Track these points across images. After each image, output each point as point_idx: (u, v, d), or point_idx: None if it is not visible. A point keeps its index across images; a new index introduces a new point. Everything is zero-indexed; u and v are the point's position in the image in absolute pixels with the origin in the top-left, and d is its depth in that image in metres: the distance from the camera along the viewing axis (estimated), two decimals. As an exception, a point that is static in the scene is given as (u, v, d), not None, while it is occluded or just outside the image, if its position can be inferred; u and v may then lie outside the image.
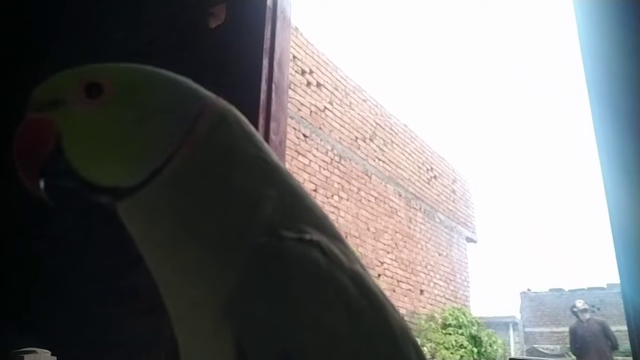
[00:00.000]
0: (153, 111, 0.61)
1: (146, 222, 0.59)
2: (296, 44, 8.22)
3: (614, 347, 8.21)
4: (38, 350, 1.83)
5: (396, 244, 10.19)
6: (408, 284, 10.28)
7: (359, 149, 9.63)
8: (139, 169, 0.58)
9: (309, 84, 8.62)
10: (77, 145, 0.59)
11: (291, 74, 7.85)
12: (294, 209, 0.62)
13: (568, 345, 13.52)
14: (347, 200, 9.07)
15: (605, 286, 18.77)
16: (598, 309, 18.48)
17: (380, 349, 0.56)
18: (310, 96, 8.59)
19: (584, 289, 19.15)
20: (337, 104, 9.22)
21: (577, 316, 8.41)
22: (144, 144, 0.59)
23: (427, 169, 11.97)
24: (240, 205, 0.59)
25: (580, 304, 8.46)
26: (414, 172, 11.33)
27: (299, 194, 0.64)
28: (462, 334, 9.95)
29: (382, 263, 9.64)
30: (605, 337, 8.09)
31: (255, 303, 0.53)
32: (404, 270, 10.24)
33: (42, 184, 0.60)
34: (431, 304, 10.84)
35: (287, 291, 0.54)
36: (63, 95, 0.61)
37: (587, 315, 8.43)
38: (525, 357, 6.61)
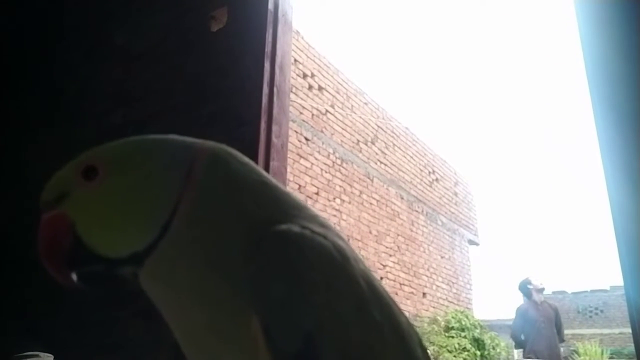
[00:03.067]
0: (148, 174, 0.64)
1: (169, 273, 0.61)
2: (297, 47, 8.23)
3: (562, 339, 6.50)
4: (41, 354, 1.83)
5: (398, 247, 10.18)
6: (410, 286, 10.26)
7: (360, 152, 9.63)
8: (148, 229, 0.61)
9: (310, 87, 8.62)
10: (89, 227, 0.62)
11: (292, 78, 7.86)
12: (306, 215, 0.65)
13: (572, 348, 13.46)
14: (349, 203, 9.06)
15: (608, 288, 18.73)
16: (601, 311, 18.43)
17: (387, 339, 0.60)
18: (312, 99, 8.60)
19: (587, 291, 19.11)
20: (338, 107, 9.23)
21: (531, 295, 6.44)
22: (147, 206, 0.62)
23: (429, 172, 11.96)
24: (251, 216, 0.63)
25: (537, 281, 6.51)
26: (415, 175, 11.33)
27: (303, 205, 0.68)
28: (465, 337, 9.93)
29: (384, 266, 9.63)
30: (556, 326, 6.36)
31: (276, 283, 0.57)
32: (406, 273, 10.23)
33: (74, 275, 0.64)
34: (434, 307, 10.82)
35: (304, 275, 0.57)
36: (65, 187, 0.64)
37: (542, 297, 6.51)
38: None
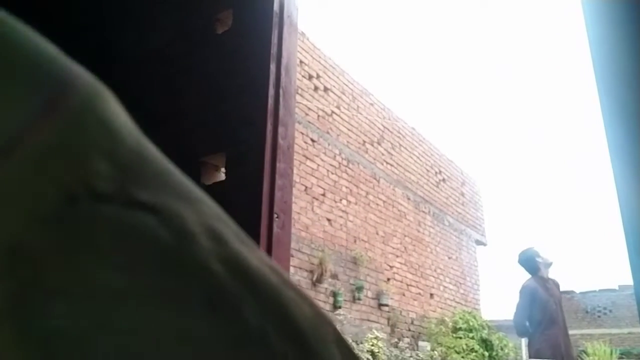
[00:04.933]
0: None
1: None
2: (303, 48, 8.24)
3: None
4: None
5: (405, 248, 10.16)
6: (418, 287, 10.24)
7: (366, 152, 9.63)
8: None
9: (316, 88, 8.63)
10: None
11: (298, 79, 7.87)
12: (149, 175, 0.38)
13: (580, 348, 13.38)
14: (356, 204, 9.06)
15: (616, 288, 18.62)
16: (610, 310, 18.32)
17: (269, 345, 0.34)
18: (318, 101, 8.60)
19: (595, 291, 19.00)
20: (344, 108, 9.23)
21: (537, 270, 5.13)
22: None
23: (436, 172, 11.94)
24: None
25: (544, 253, 5.25)
26: (422, 175, 11.31)
27: (163, 163, 0.40)
28: (472, 338, 9.90)
29: (391, 267, 9.61)
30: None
31: (51, 301, 0.32)
32: (413, 274, 10.21)
33: None
34: (441, 308, 10.79)
35: (95, 279, 0.32)
36: None
37: (549, 273, 5.24)
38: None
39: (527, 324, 5.01)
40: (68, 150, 0.33)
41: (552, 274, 5.25)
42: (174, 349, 0.29)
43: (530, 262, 5.17)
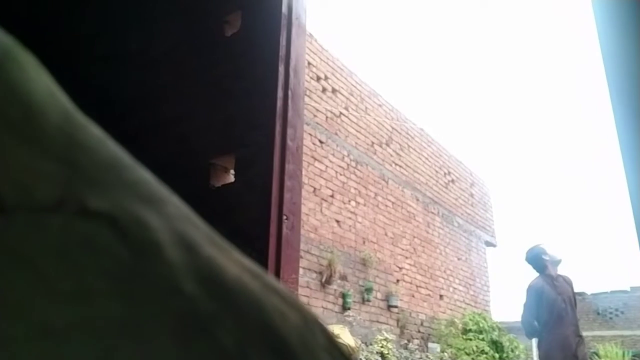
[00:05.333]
0: None
1: None
2: (311, 50, 8.25)
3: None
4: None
5: (414, 249, 10.13)
6: (427, 289, 10.20)
7: (375, 154, 9.62)
8: None
9: (324, 90, 8.63)
10: None
11: (306, 81, 7.88)
12: (102, 173, 0.30)
13: (592, 350, 13.28)
14: (365, 205, 9.05)
15: (628, 289, 18.48)
16: (622, 312, 18.17)
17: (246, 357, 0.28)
18: (326, 102, 8.60)
19: (606, 293, 18.86)
20: (352, 109, 9.22)
21: (545, 269, 4.93)
22: None
23: (445, 173, 11.90)
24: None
25: (552, 250, 5.04)
26: (431, 177, 11.28)
27: (118, 155, 0.32)
28: (483, 340, 9.85)
29: (400, 268, 9.59)
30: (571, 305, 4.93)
31: None
32: (422, 275, 10.18)
33: None
34: (451, 309, 10.75)
35: (33, 313, 0.23)
36: None
37: (557, 270, 5.01)
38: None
39: (536, 323, 4.81)
40: None
41: (563, 272, 5.09)
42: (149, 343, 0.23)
43: (537, 260, 5.00)
